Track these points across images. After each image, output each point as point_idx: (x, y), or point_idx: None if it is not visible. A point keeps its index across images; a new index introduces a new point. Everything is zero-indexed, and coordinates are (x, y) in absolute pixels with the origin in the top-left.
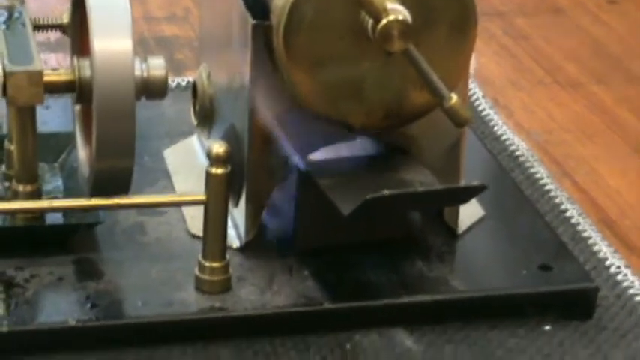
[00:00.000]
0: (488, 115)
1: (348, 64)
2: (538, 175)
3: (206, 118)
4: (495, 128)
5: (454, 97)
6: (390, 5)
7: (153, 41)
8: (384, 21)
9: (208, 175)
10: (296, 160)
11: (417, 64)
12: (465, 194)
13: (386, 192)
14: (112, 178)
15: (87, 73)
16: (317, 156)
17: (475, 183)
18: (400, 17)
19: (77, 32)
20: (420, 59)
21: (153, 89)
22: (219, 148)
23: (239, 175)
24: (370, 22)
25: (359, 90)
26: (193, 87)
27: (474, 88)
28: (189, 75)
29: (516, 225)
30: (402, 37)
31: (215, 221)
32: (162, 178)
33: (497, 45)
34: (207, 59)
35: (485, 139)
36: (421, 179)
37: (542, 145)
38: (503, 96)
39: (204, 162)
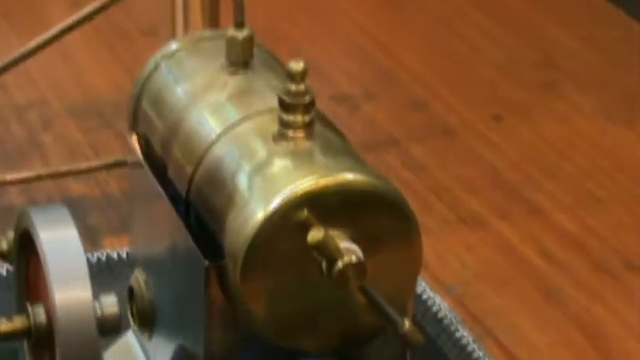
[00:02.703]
0: None
1: (303, 297)
2: (464, 341)
3: (147, 321)
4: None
5: (407, 324)
6: (342, 244)
7: (63, 203)
8: (339, 264)
9: None
10: None
11: (370, 297)
12: None
13: None
14: None
15: (42, 319)
16: None
17: None
18: (354, 259)
19: (24, 270)
20: (373, 292)
21: (108, 327)
22: None
23: None
24: (324, 262)
25: (314, 320)
26: (130, 290)
27: None
28: (107, 247)
29: None
30: (357, 277)
31: None
32: None
33: (398, 179)
34: (143, 266)
35: None
36: None
37: (461, 300)
38: None
39: None
